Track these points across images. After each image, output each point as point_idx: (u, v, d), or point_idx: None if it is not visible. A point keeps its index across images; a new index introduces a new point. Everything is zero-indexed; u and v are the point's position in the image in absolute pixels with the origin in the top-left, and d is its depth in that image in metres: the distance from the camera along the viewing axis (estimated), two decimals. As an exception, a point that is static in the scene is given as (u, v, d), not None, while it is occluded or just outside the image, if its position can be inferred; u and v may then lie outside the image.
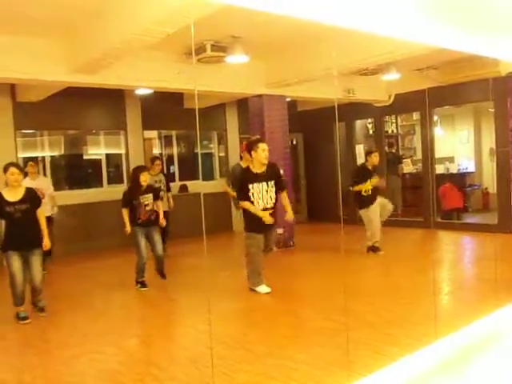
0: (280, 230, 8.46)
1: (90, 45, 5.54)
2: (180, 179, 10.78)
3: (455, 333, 3.89)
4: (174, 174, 11.18)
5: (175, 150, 11.27)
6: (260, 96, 8.21)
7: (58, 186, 8.73)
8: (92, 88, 6.95)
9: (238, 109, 10.91)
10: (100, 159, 9.91)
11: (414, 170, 11.12)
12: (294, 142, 11.95)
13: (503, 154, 8.59)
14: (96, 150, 10.05)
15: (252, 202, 5.21)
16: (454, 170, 11.40)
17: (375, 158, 7.43)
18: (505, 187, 8.61)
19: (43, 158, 9.36)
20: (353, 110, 10.07)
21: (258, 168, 5.25)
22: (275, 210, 5.37)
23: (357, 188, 7.36)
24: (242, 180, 5.30)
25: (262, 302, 5.53)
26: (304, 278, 5.49)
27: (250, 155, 5.29)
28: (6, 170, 4.76)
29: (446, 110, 10.76)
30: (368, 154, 7.61)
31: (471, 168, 11.58)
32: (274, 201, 5.32)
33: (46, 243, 4.95)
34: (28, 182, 6.64)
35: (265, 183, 5.23)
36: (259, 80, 7.97)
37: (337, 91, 8.56)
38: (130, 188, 6.14)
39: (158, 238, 6.08)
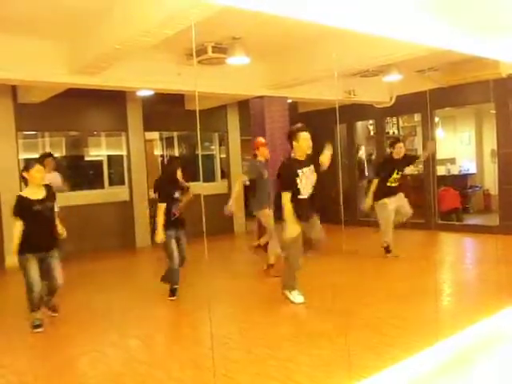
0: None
1: (91, 46, 5.54)
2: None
3: (457, 334, 3.88)
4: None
5: (176, 152, 11.28)
6: (261, 97, 8.21)
7: (59, 187, 8.74)
8: (93, 89, 6.96)
9: (239, 110, 10.91)
10: (101, 161, 9.92)
11: (416, 172, 11.11)
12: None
13: (505, 155, 8.58)
14: (97, 152, 10.06)
15: (299, 190, 5.03)
16: (455, 171, 11.38)
17: (398, 150, 7.10)
18: (506, 189, 8.60)
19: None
20: (354, 112, 10.07)
21: (300, 156, 5.11)
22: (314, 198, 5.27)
23: (375, 181, 7.15)
24: (291, 168, 5.06)
25: (261, 303, 5.53)
26: (303, 279, 5.50)
27: (291, 145, 5.12)
28: (29, 167, 4.59)
29: (448, 111, 10.75)
30: (391, 144, 7.35)
31: (472, 169, 11.58)
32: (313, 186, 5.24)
33: (62, 231, 4.83)
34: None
35: (308, 168, 5.10)
36: (260, 81, 7.97)
37: (338, 92, 8.56)
38: (167, 180, 5.63)
39: (184, 240, 5.66)
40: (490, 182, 10.60)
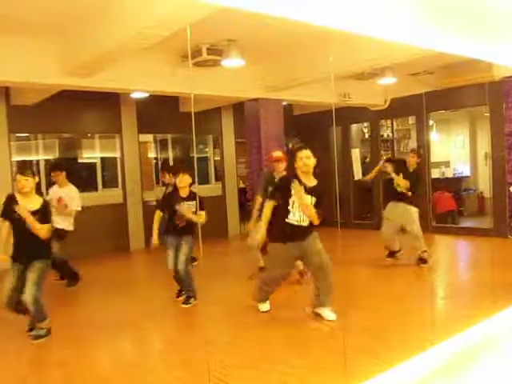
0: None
1: (84, 47, 5.50)
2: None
3: (453, 338, 3.86)
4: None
5: (170, 154, 11.24)
6: (256, 100, 8.20)
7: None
8: (87, 91, 6.92)
9: (234, 113, 10.89)
10: (95, 163, 9.86)
11: (410, 175, 11.12)
12: (290, 146, 11.93)
13: (498, 158, 8.61)
14: (91, 154, 10.00)
15: (288, 212, 4.58)
16: (449, 174, 11.42)
17: (411, 159, 6.91)
18: (500, 192, 8.62)
19: (37, 161, 9.31)
20: (348, 114, 10.08)
21: (303, 177, 4.59)
22: None
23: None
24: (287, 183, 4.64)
25: (255, 306, 5.49)
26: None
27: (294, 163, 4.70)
28: (18, 172, 4.45)
29: (442, 114, 10.78)
30: (411, 151, 7.25)
31: (467, 172, 11.61)
32: None
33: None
34: (56, 190, 6.46)
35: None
36: (255, 84, 7.96)
37: (333, 95, 8.56)
38: (172, 191, 5.53)
39: (184, 252, 5.35)
40: (484, 184, 10.63)
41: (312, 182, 4.59)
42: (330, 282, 4.61)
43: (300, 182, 4.52)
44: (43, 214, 4.33)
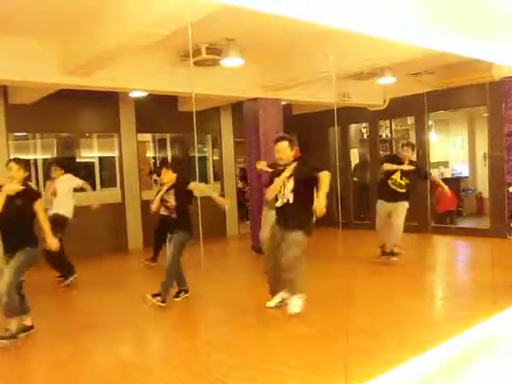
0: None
1: (83, 46, 5.48)
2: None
3: (452, 338, 3.85)
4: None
5: (169, 154, 11.22)
6: (255, 99, 8.18)
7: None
8: (85, 90, 6.88)
9: (233, 112, 10.87)
10: (93, 162, 9.83)
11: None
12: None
13: (497, 158, 8.60)
14: (89, 153, 9.98)
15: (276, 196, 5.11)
16: (448, 174, 11.41)
17: (405, 153, 6.88)
18: (497, 192, 8.62)
19: (35, 160, 9.28)
20: (347, 114, 10.06)
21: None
22: None
23: (386, 167, 6.87)
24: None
25: (255, 307, 5.48)
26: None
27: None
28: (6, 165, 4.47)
29: (441, 114, 10.77)
30: (402, 146, 7.20)
31: (465, 173, 11.61)
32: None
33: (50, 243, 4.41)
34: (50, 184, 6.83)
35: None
36: (254, 83, 7.94)
37: (333, 94, 8.54)
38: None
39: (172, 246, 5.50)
40: (483, 185, 10.62)
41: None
42: (287, 276, 4.78)
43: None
44: (25, 195, 4.33)
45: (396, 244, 6.89)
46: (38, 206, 4.39)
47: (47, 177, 9.18)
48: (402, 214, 6.82)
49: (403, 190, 6.83)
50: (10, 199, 4.26)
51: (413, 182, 7.05)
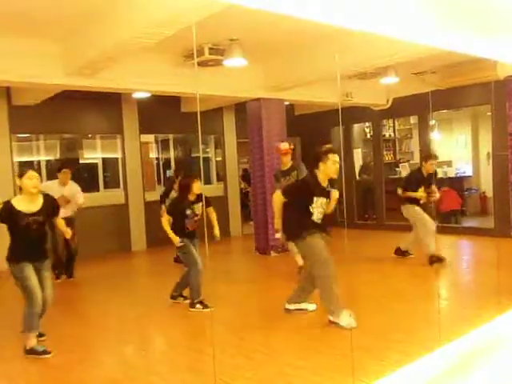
0: (278, 235, 8.40)
1: (86, 47, 5.48)
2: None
3: (458, 339, 3.83)
4: (170, 178, 11.13)
5: (172, 154, 11.22)
6: (258, 100, 8.17)
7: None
8: (88, 91, 6.89)
9: (236, 113, 10.86)
10: (96, 163, 9.84)
11: (412, 174, 11.09)
12: (292, 147, 11.89)
13: (501, 158, 8.57)
14: (92, 155, 9.98)
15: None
16: (451, 174, 11.37)
17: (430, 166, 6.68)
18: (502, 191, 8.58)
19: (39, 162, 9.29)
20: (350, 114, 10.04)
21: (323, 181, 4.62)
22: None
23: (407, 194, 6.71)
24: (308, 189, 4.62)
25: (259, 308, 5.47)
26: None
27: (317, 166, 4.59)
28: (22, 173, 4.10)
29: (444, 113, 10.75)
30: (424, 158, 6.86)
31: (469, 172, 11.57)
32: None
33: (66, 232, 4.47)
34: (55, 186, 6.64)
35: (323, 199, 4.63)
36: (258, 84, 7.93)
37: (338, 94, 8.53)
38: (180, 197, 5.53)
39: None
40: (487, 184, 10.58)
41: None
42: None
43: (320, 186, 4.58)
44: (47, 210, 4.20)
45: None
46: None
47: (50, 178, 9.20)
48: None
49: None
50: (36, 213, 4.14)
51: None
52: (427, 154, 7.03)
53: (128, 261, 8.95)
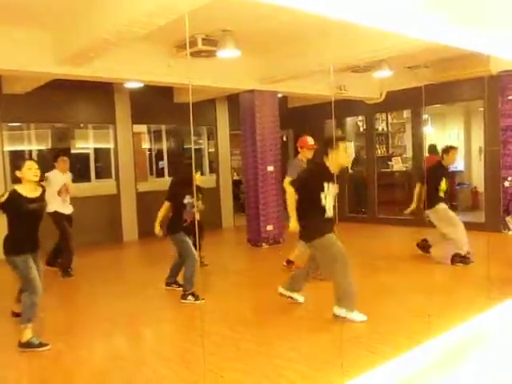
0: (270, 227, 8.42)
1: (78, 35, 5.40)
2: (169, 175, 10.68)
3: (448, 331, 3.86)
4: (163, 169, 11.10)
5: (164, 145, 11.17)
6: (251, 91, 8.14)
7: (44, 180, 8.58)
8: (80, 80, 6.82)
9: (228, 104, 10.82)
10: (88, 153, 9.77)
11: (404, 168, 11.15)
12: (285, 139, 11.90)
13: (492, 152, 8.61)
14: (84, 144, 9.91)
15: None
16: (443, 168, 11.40)
17: (452, 157, 6.47)
18: (492, 186, 8.63)
19: (30, 151, 9.21)
20: (344, 107, 10.04)
21: (334, 168, 4.49)
22: None
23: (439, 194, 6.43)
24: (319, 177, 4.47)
25: (251, 300, 5.48)
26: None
27: (326, 152, 4.47)
28: (21, 165, 4.19)
29: (437, 108, 10.76)
30: (445, 151, 6.57)
31: (461, 167, 11.62)
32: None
33: None
34: (59, 175, 6.58)
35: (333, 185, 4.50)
36: (251, 75, 7.89)
37: (331, 87, 8.51)
38: (180, 181, 5.42)
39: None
40: (478, 179, 10.63)
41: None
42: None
43: (329, 171, 4.46)
44: (43, 200, 4.32)
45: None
46: None
47: (43, 167, 9.12)
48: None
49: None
50: (38, 199, 4.22)
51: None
52: (448, 146, 6.74)
53: (119, 251, 8.92)
